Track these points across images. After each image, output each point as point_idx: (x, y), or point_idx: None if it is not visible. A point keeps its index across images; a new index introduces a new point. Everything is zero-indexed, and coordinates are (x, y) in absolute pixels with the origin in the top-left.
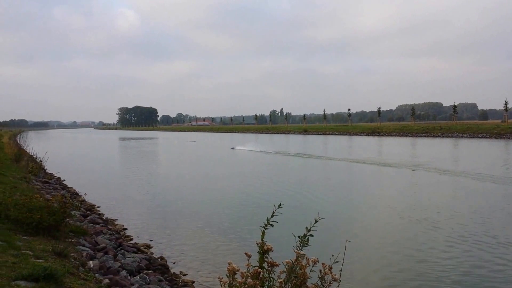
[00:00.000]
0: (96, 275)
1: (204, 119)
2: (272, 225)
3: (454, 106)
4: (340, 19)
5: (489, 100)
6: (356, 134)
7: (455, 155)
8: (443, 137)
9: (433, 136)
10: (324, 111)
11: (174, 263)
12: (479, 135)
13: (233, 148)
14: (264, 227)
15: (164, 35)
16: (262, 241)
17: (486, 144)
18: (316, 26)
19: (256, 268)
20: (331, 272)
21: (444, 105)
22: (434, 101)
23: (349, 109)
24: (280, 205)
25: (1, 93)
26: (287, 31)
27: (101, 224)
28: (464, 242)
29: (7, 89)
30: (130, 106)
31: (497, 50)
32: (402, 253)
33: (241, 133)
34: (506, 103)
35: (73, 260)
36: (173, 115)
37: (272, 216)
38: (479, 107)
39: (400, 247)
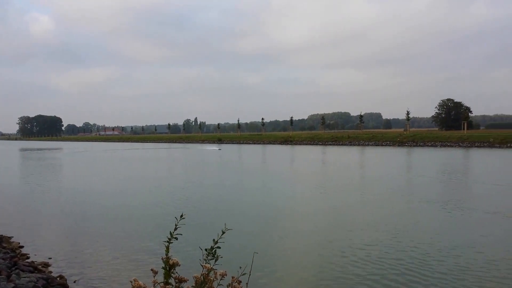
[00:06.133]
0: None
1: (113, 129)
2: (176, 238)
3: (361, 116)
4: (266, 31)
5: (393, 110)
6: (270, 143)
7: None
8: (350, 145)
9: (341, 144)
10: (238, 120)
11: (74, 282)
12: (383, 143)
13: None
14: (168, 241)
15: (82, 42)
16: (167, 256)
17: (390, 151)
18: (242, 37)
19: (163, 284)
20: (239, 286)
21: (352, 114)
22: (343, 111)
23: (262, 118)
24: (182, 216)
25: None
26: (214, 41)
27: None
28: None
29: None
30: (34, 114)
31: (408, 65)
32: (309, 261)
33: (153, 142)
34: (408, 113)
35: None
36: (80, 124)
37: (176, 229)
38: (384, 117)
39: (307, 255)
